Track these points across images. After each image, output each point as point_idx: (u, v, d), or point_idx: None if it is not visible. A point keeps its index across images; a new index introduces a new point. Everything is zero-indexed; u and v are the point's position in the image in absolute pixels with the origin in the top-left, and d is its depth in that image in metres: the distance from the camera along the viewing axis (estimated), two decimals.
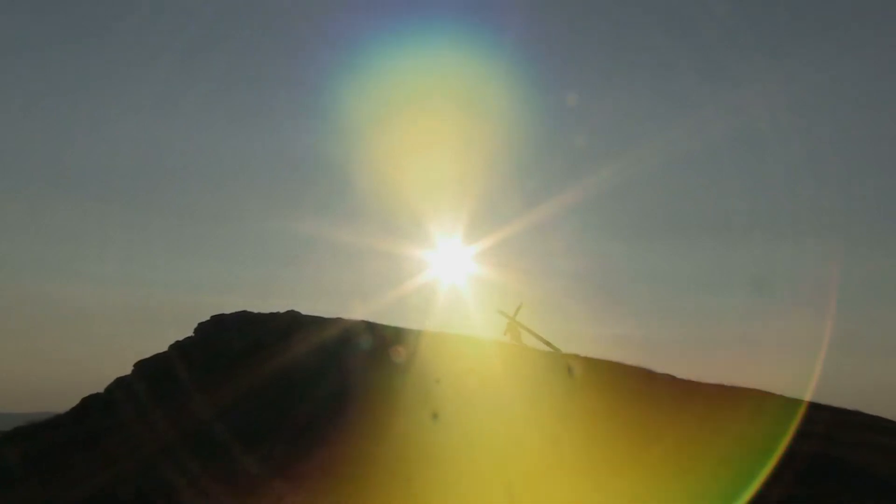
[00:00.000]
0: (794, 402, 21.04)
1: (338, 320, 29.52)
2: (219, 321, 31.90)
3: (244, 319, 31.62)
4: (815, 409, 20.38)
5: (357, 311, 30.40)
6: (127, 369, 29.39)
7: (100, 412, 26.89)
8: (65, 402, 28.54)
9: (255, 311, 32.29)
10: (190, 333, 31.65)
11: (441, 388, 21.89)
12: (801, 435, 16.68)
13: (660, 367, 24.99)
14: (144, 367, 28.92)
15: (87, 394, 28.06)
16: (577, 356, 26.36)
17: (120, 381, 28.48)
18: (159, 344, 31.17)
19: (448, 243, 34.87)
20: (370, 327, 27.99)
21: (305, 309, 31.56)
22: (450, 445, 17.48)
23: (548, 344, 27.04)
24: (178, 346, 30.47)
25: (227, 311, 32.44)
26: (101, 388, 28.44)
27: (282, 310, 31.75)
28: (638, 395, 21.85)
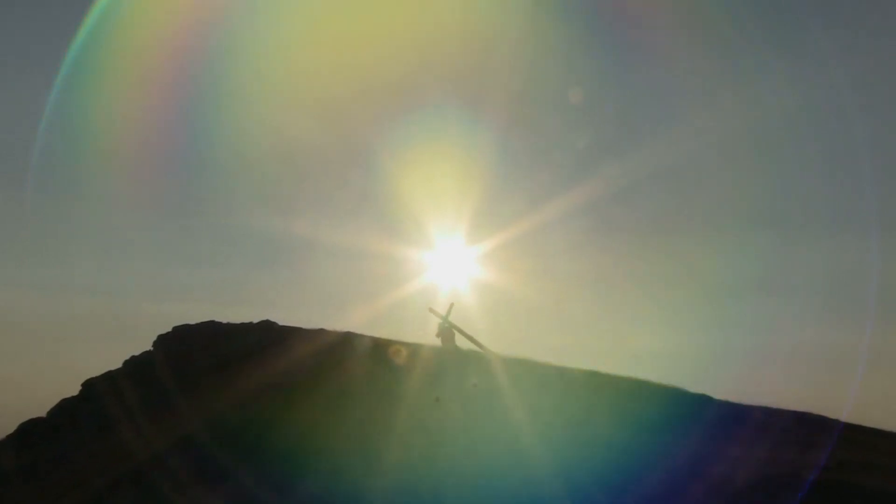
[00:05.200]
0: (830, 422, 20.73)
1: (321, 332, 28.87)
2: (182, 333, 31.11)
3: (212, 331, 30.87)
4: (852, 430, 20.09)
5: (345, 321, 29.88)
6: (73, 390, 28.63)
7: (43, 440, 26.19)
8: None
9: (225, 321, 31.58)
10: (148, 347, 30.85)
11: (441, 408, 21.39)
12: (838, 463, 16.24)
13: (694, 385, 24.42)
14: (95, 388, 28.09)
15: (25, 419, 27.33)
16: (596, 372, 25.80)
17: (65, 404, 27.74)
18: (111, 360, 30.44)
19: (448, 244, 34.40)
20: (359, 340, 27.27)
21: (283, 319, 30.91)
22: (452, 474, 16.91)
23: (480, 346, 27.09)
24: (133, 363, 29.64)
25: (192, 321, 31.70)
26: (42, 413, 27.75)
27: (255, 319, 31.11)
28: (668, 419, 21.28)
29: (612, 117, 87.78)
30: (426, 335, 27.63)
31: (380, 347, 26.14)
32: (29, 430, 27.14)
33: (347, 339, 27.54)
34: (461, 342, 27.49)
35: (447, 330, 27.34)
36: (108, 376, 29.00)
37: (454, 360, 25.79)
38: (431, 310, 27.90)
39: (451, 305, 27.92)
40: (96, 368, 29.87)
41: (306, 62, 66.82)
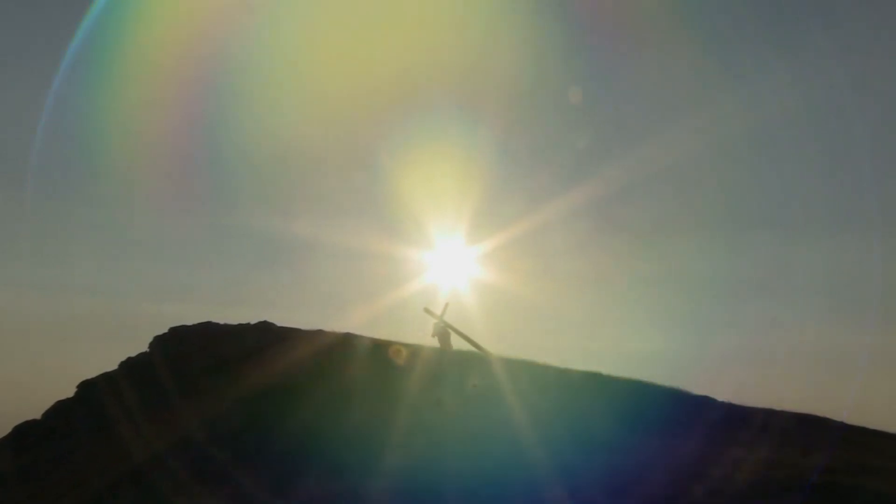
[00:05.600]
0: (831, 424, 20.60)
1: (319, 333, 28.83)
2: (179, 334, 31.12)
3: (209, 332, 30.86)
4: (854, 432, 19.86)
5: (344, 321, 29.94)
6: (69, 391, 28.72)
7: (39, 441, 26.13)
8: None
9: (222, 322, 31.77)
10: (144, 349, 30.88)
11: (441, 409, 21.32)
12: (840, 465, 16.20)
13: (695, 386, 24.44)
14: (90, 389, 28.13)
15: (19, 420, 27.44)
16: (597, 373, 25.78)
17: (60, 406, 27.80)
18: (106, 361, 30.66)
19: (448, 244, 34.39)
20: (358, 341, 27.24)
21: (282, 320, 31.14)
22: (452, 475, 16.82)
23: (477, 347, 27.05)
24: (130, 364, 29.64)
25: (189, 321, 31.97)
26: (37, 414, 27.81)
27: (254, 320, 31.16)
28: (669, 420, 21.29)
29: (612, 117, 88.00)
30: (426, 336, 27.68)
31: (380, 348, 26.06)
32: (25, 432, 27.11)
33: (347, 339, 27.50)
34: (457, 342, 27.54)
35: (443, 330, 27.32)
36: (105, 377, 29.02)
37: (453, 360, 25.81)
38: (427, 309, 27.91)
39: (446, 305, 27.96)
40: (92, 369, 29.98)
41: (307, 62, 66.94)
